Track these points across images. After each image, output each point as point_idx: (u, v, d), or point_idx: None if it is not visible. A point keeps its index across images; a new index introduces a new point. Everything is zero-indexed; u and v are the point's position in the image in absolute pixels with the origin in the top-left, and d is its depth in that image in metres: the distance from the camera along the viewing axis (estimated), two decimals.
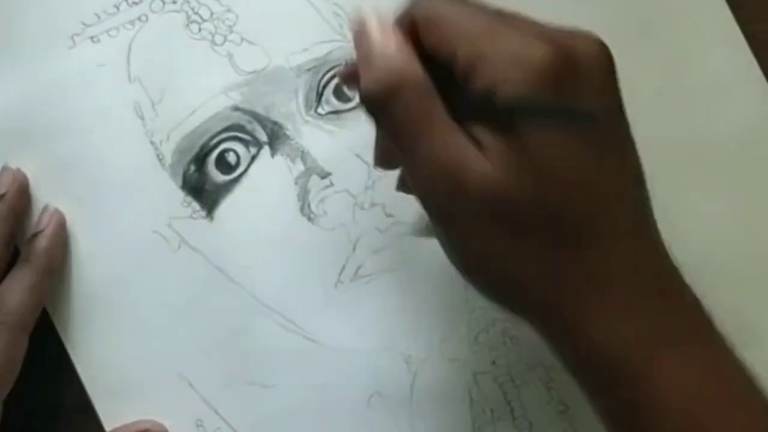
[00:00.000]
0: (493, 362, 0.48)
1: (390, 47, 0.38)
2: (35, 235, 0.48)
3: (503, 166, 0.36)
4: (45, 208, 0.49)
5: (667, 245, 0.41)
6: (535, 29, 0.38)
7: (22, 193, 0.49)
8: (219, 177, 0.49)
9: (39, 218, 0.48)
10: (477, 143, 0.37)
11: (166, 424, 0.48)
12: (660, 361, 0.38)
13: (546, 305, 0.38)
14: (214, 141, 0.49)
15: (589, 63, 0.37)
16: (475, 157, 0.37)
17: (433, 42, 0.38)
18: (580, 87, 0.37)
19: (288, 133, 0.49)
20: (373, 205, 0.49)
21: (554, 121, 0.36)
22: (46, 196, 0.49)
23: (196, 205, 0.49)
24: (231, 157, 0.49)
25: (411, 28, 0.38)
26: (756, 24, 0.49)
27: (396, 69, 0.37)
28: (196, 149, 0.49)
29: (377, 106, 0.38)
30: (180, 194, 0.49)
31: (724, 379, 0.39)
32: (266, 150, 0.49)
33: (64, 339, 0.49)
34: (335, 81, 0.49)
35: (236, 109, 0.49)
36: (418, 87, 0.37)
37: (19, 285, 0.47)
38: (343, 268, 0.49)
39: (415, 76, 0.37)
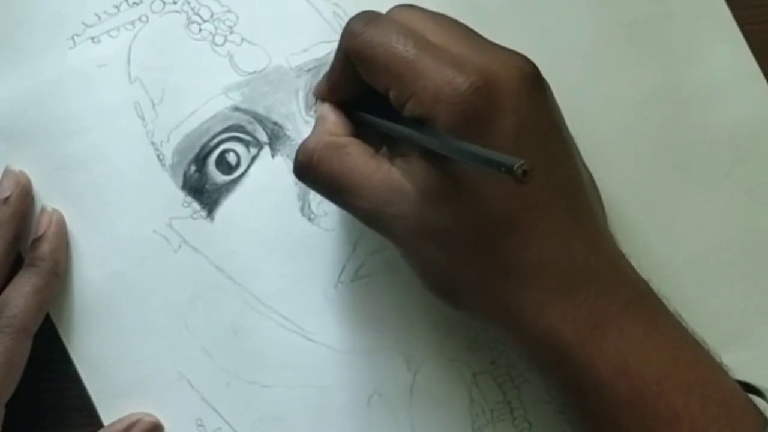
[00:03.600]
0: (493, 362, 0.48)
1: (316, 127, 0.45)
2: (37, 239, 0.48)
3: (425, 193, 0.41)
4: (43, 209, 0.49)
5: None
6: (459, 59, 0.40)
7: (26, 196, 0.49)
8: (219, 177, 0.49)
9: (38, 220, 0.49)
10: (406, 169, 0.41)
11: (166, 423, 0.48)
12: (595, 342, 0.40)
13: (488, 304, 0.42)
14: (215, 141, 0.49)
15: (509, 89, 0.40)
16: (400, 194, 0.41)
17: (366, 77, 0.42)
18: (497, 114, 0.39)
19: (288, 133, 0.49)
20: None
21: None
22: (46, 196, 0.49)
23: (196, 206, 0.49)
24: (231, 158, 0.49)
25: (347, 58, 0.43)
26: (756, 24, 0.49)
27: (310, 147, 0.43)
28: (196, 149, 0.49)
29: (301, 178, 0.44)
30: (180, 194, 0.49)
31: (669, 349, 0.41)
32: (267, 150, 0.49)
33: (64, 339, 0.49)
34: None
35: (237, 109, 0.49)
36: (333, 153, 0.43)
37: (24, 289, 0.47)
38: (343, 268, 0.49)
39: (330, 145, 0.43)
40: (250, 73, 0.50)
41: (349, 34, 0.42)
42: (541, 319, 0.41)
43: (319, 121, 0.45)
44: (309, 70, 0.50)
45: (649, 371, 0.40)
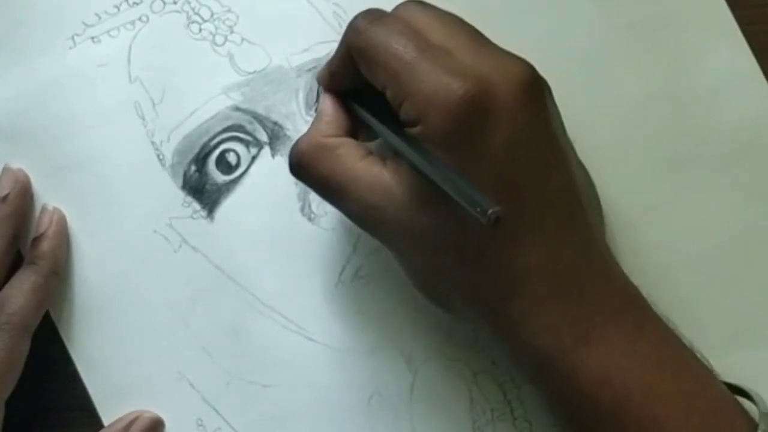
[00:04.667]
0: (493, 362, 0.48)
1: (312, 124, 0.45)
2: (38, 238, 0.48)
3: (413, 196, 0.41)
4: (44, 208, 0.49)
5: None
6: (458, 64, 0.40)
7: (24, 194, 0.49)
8: (220, 177, 0.49)
9: (39, 219, 0.49)
10: (396, 171, 0.41)
11: (167, 423, 0.48)
12: (577, 351, 0.40)
13: (476, 309, 0.42)
14: (215, 141, 0.49)
15: (505, 97, 0.40)
16: (388, 197, 0.41)
17: (366, 74, 0.42)
18: (489, 123, 0.39)
19: (288, 133, 0.49)
20: None
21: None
22: (46, 195, 0.49)
23: (196, 205, 0.49)
24: (231, 158, 0.49)
25: (348, 53, 0.43)
26: (756, 24, 0.49)
27: (300, 149, 0.44)
28: (196, 149, 0.49)
29: (297, 179, 0.44)
30: (181, 194, 0.49)
31: (654, 358, 0.41)
32: (267, 150, 0.49)
33: (64, 338, 0.49)
34: None
35: (237, 109, 0.49)
36: (321, 155, 0.43)
37: (24, 286, 0.47)
38: (343, 268, 0.49)
39: (319, 147, 0.43)
40: (250, 73, 0.50)
41: (352, 30, 0.42)
42: (525, 326, 0.40)
43: (316, 118, 0.45)
44: (309, 70, 0.50)
45: (633, 381, 0.40)
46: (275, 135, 0.49)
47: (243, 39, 0.50)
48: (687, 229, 0.49)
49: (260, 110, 0.49)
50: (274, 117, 0.49)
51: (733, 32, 0.49)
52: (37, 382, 0.49)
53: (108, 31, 0.50)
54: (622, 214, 0.47)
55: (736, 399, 0.42)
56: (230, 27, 0.50)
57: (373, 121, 0.43)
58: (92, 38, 0.50)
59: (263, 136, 0.49)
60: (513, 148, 0.40)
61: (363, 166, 0.42)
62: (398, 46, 0.41)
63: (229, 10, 0.50)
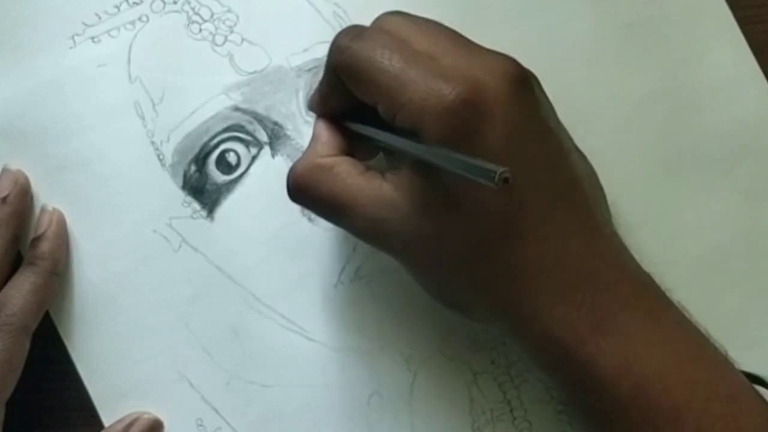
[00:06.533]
0: (493, 362, 0.48)
1: (308, 147, 0.44)
2: (37, 238, 0.48)
3: (415, 205, 0.41)
4: (43, 209, 0.49)
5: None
6: (445, 68, 0.40)
7: (24, 195, 0.49)
8: (220, 177, 0.49)
9: (39, 219, 0.49)
10: (397, 182, 0.41)
11: (167, 423, 0.49)
12: (595, 341, 0.40)
13: (489, 308, 0.42)
14: (215, 141, 0.49)
15: (496, 96, 0.40)
16: (392, 208, 0.41)
17: (356, 91, 0.42)
18: (485, 124, 0.39)
19: (288, 133, 0.49)
20: None
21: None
22: (46, 196, 0.49)
23: (196, 205, 0.49)
24: (231, 158, 0.49)
25: (335, 73, 0.42)
26: (756, 24, 0.49)
27: (296, 173, 0.43)
28: (196, 149, 0.49)
29: (296, 203, 0.44)
30: (181, 194, 0.49)
31: (672, 345, 0.41)
32: (267, 150, 0.49)
33: (64, 339, 0.49)
34: None
35: (237, 109, 0.49)
36: (318, 176, 0.43)
37: (23, 287, 0.47)
38: (343, 268, 0.49)
39: (315, 169, 0.43)
40: (250, 73, 0.50)
41: (336, 49, 0.42)
42: (540, 321, 0.41)
43: (311, 141, 0.45)
44: (309, 69, 0.50)
45: (651, 368, 0.40)
46: (275, 135, 0.49)
47: (243, 39, 0.50)
48: (685, 228, 0.49)
49: (260, 110, 0.49)
50: (274, 117, 0.49)
51: (733, 31, 0.49)
52: (37, 382, 0.49)
53: (108, 31, 0.50)
54: (620, 214, 0.47)
55: (753, 386, 0.42)
56: (230, 27, 0.50)
57: (369, 130, 0.43)
58: (92, 38, 0.50)
59: (263, 136, 0.49)
60: (510, 144, 0.40)
61: (363, 182, 0.42)
62: (383, 59, 0.40)
63: (229, 10, 0.50)
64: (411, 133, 0.40)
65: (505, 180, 0.34)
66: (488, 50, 0.42)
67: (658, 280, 0.43)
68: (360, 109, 0.42)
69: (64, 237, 0.49)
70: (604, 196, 0.45)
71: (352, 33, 0.42)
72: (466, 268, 0.41)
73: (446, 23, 0.43)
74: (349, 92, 0.42)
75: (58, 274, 0.48)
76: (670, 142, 0.49)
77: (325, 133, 0.44)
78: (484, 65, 0.40)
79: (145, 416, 0.48)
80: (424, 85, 0.39)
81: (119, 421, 0.48)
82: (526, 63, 0.42)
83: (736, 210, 0.49)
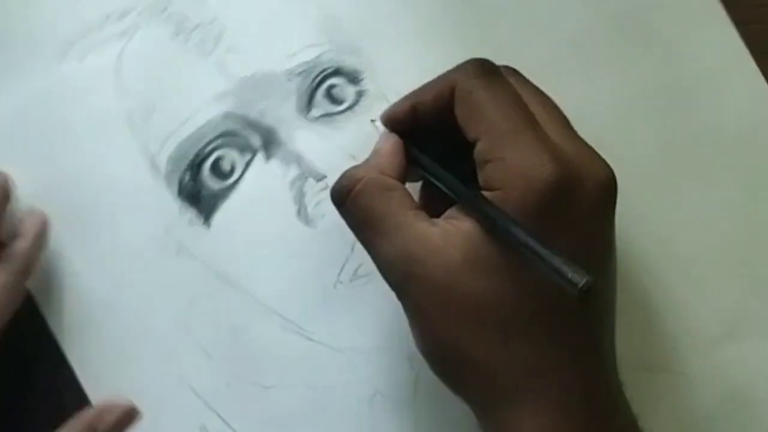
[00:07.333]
0: None
1: (370, 159, 0.43)
2: (16, 237, 0.47)
3: (467, 262, 0.39)
4: (29, 210, 0.48)
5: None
6: (556, 147, 0.40)
7: (4, 193, 0.48)
8: (215, 184, 0.49)
9: (21, 218, 0.48)
10: (450, 232, 0.40)
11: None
12: None
13: (480, 402, 0.41)
14: (209, 148, 0.49)
15: (589, 190, 0.40)
16: (431, 253, 0.40)
17: (462, 118, 0.41)
18: (567, 219, 0.39)
19: (281, 137, 0.49)
20: None
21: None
22: (43, 207, 0.49)
23: (193, 213, 0.49)
24: (226, 164, 0.49)
25: (449, 92, 0.41)
26: (756, 24, 0.49)
27: (356, 176, 0.42)
28: (190, 157, 0.49)
29: (336, 203, 0.43)
30: (177, 202, 0.49)
31: None
32: (261, 155, 0.49)
33: (65, 349, 0.49)
34: (326, 84, 0.50)
35: (228, 115, 0.50)
36: (376, 190, 0.41)
37: None
38: (342, 267, 0.49)
39: (377, 182, 0.42)
40: (240, 79, 0.50)
41: (465, 72, 0.41)
42: (514, 421, 0.40)
43: (376, 153, 0.44)
44: (299, 73, 0.50)
45: None
46: (268, 139, 0.49)
47: (231, 46, 0.50)
48: (684, 225, 0.49)
49: (252, 115, 0.50)
50: (266, 122, 0.50)
51: (720, 16, 0.49)
52: (36, 383, 0.49)
53: (97, 45, 0.50)
54: (619, 212, 0.48)
55: None
56: (218, 35, 0.50)
57: (441, 173, 0.42)
58: (82, 52, 0.50)
59: (256, 141, 0.49)
60: (585, 241, 0.40)
61: (413, 216, 0.41)
62: (509, 109, 0.40)
63: (216, 18, 0.50)
64: (490, 187, 0.40)
65: (588, 290, 0.34)
66: (591, 147, 0.42)
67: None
68: (426, 139, 0.42)
69: (43, 240, 0.48)
70: (614, 324, 0.44)
71: (488, 68, 0.42)
72: (485, 343, 0.40)
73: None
74: (441, 114, 0.42)
75: (28, 275, 0.47)
76: (670, 140, 0.49)
77: (391, 151, 0.43)
78: (588, 159, 0.40)
79: (121, 402, 0.47)
80: (532, 152, 0.39)
81: (93, 408, 0.48)
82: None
83: (734, 205, 0.49)
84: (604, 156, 0.42)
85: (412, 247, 0.40)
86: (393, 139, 0.44)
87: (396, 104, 0.44)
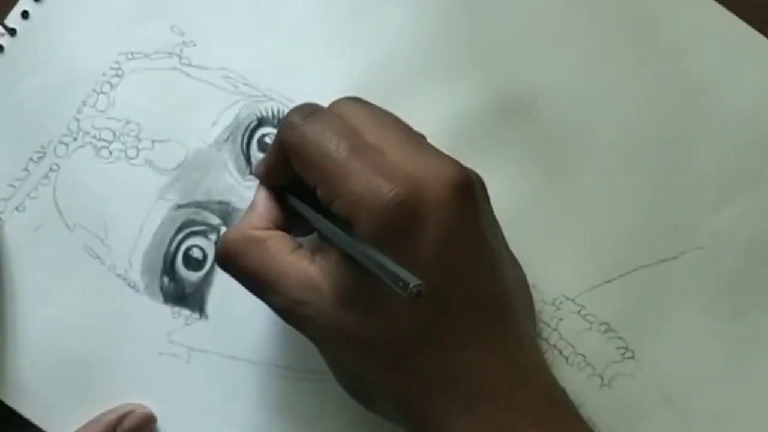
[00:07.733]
0: None
1: (242, 216, 0.44)
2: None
3: (339, 293, 0.40)
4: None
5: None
6: (390, 166, 0.40)
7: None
8: (194, 276, 0.49)
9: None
10: (325, 267, 0.41)
11: None
12: None
13: (400, 412, 0.41)
14: (174, 246, 0.49)
15: (435, 201, 0.39)
16: (315, 293, 0.41)
17: (299, 171, 0.41)
18: (418, 228, 0.39)
19: (236, 205, 0.49)
20: None
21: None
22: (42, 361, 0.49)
23: (186, 312, 0.49)
24: (196, 253, 0.49)
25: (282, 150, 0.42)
26: (756, 24, 0.49)
27: (226, 240, 0.43)
28: (160, 262, 0.49)
29: (223, 269, 0.43)
30: (166, 309, 0.49)
31: None
32: (224, 231, 0.49)
33: None
34: (255, 138, 0.50)
35: (179, 207, 0.49)
36: (248, 248, 0.42)
37: None
38: None
39: (246, 240, 0.42)
40: (174, 169, 0.49)
41: (287, 125, 0.42)
42: (444, 430, 0.40)
43: (248, 210, 0.44)
44: (226, 139, 0.49)
45: None
46: (226, 213, 0.49)
47: (153, 141, 0.50)
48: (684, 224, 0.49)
49: (200, 197, 0.49)
50: (216, 197, 0.49)
51: (733, 24, 0.49)
52: None
53: (28, 195, 0.50)
54: (618, 214, 0.48)
55: None
56: (136, 137, 0.50)
57: (307, 211, 0.43)
58: (16, 208, 0.50)
59: (215, 220, 0.49)
60: (441, 252, 0.39)
61: (291, 260, 0.42)
62: (330, 145, 0.40)
63: (128, 122, 0.50)
64: (345, 224, 0.40)
65: (418, 293, 0.34)
66: (437, 151, 0.42)
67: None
68: (304, 185, 0.42)
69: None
70: (533, 308, 0.45)
71: (306, 111, 0.42)
72: (380, 367, 0.41)
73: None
74: (293, 169, 0.42)
75: None
76: (670, 139, 0.49)
77: (263, 203, 0.44)
78: (428, 167, 0.40)
79: (139, 410, 0.48)
80: (365, 180, 0.39)
81: (112, 411, 0.48)
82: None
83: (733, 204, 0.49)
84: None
85: (296, 293, 0.41)
86: (263, 192, 0.44)
87: (255, 167, 0.46)
